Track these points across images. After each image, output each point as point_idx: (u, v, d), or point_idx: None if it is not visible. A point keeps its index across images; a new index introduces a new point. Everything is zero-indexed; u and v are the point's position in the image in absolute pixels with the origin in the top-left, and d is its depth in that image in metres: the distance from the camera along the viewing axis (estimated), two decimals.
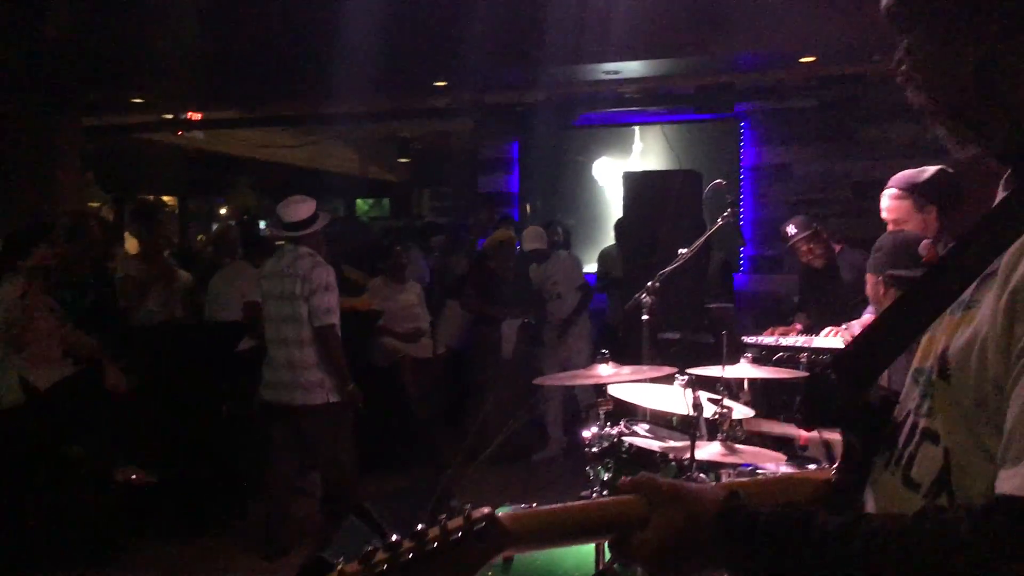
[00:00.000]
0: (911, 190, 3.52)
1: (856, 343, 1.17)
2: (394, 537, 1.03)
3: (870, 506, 1.17)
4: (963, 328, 1.01)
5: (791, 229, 5.58)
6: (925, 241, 3.13)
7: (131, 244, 8.24)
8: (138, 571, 5.04)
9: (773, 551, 1.00)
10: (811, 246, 5.52)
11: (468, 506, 1.08)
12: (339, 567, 1.03)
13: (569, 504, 1.15)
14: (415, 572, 1.02)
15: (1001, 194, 1.11)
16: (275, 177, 13.71)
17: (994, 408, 0.94)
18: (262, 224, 10.04)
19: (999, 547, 0.85)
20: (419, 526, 1.04)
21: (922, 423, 1.07)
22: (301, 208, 5.23)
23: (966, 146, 1.10)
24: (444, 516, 1.06)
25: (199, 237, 14.41)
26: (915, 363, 1.13)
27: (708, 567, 1.11)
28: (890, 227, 3.63)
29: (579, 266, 7.75)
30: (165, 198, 14.70)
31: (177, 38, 6.72)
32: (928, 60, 1.08)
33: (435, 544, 1.03)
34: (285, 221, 5.19)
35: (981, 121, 1.06)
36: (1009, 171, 1.11)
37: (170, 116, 10.64)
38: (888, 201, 3.60)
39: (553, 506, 1.14)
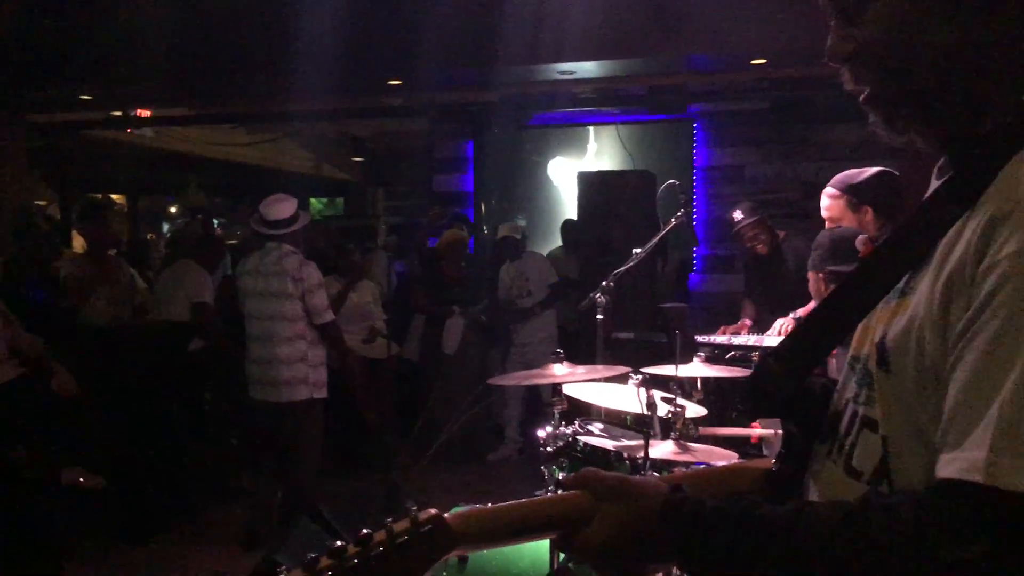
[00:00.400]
0: (845, 190, 3.60)
1: (795, 333, 1.17)
2: (339, 543, 1.02)
3: (812, 494, 1.17)
4: (900, 315, 1.02)
5: (737, 215, 5.66)
6: (862, 236, 3.18)
7: (78, 243, 8.10)
8: (85, 574, 4.95)
9: (718, 542, 1.00)
10: (756, 231, 5.61)
11: (415, 508, 1.07)
12: (283, 574, 1.01)
13: (516, 503, 1.15)
14: None
15: (935, 183, 1.12)
16: (227, 176, 13.55)
17: (932, 393, 0.94)
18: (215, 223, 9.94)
19: (942, 530, 0.86)
20: (364, 531, 1.03)
21: (861, 411, 1.08)
22: (283, 207, 5.29)
23: (903, 133, 1.09)
24: (391, 519, 1.05)
25: (149, 236, 14.21)
26: (851, 351, 1.14)
27: (654, 561, 1.11)
28: (828, 225, 3.70)
29: (551, 265, 7.78)
30: (114, 196, 14.45)
31: (127, 34, 6.61)
32: (894, 29, 1.04)
33: (381, 548, 1.02)
34: (268, 219, 5.25)
35: (934, 97, 1.04)
36: (942, 160, 1.11)
37: (119, 113, 10.46)
38: (825, 199, 3.69)
39: (499, 505, 1.14)
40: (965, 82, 1.02)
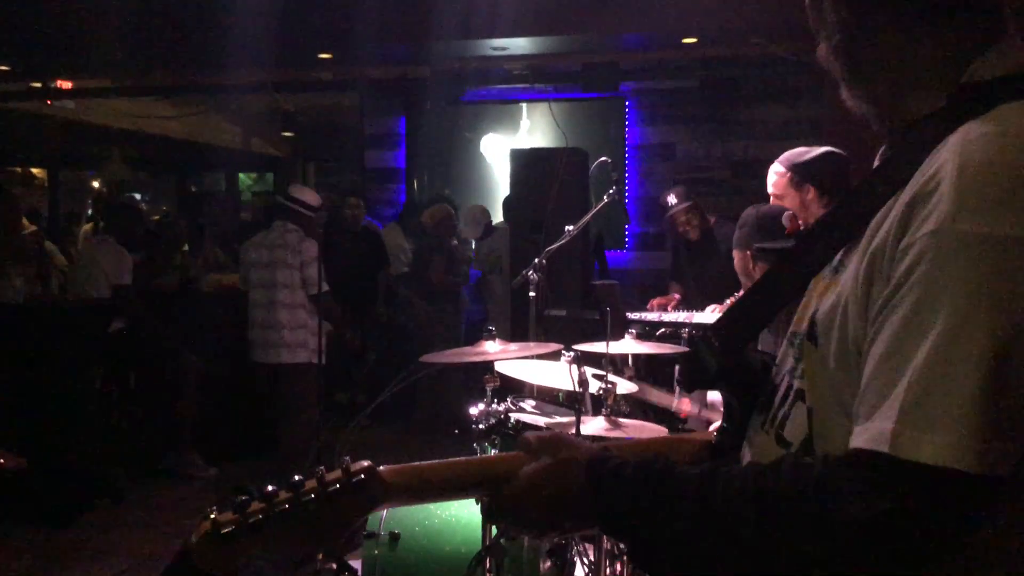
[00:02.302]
0: (790, 167, 3.63)
1: (733, 309, 1.21)
2: (270, 487, 1.02)
3: (746, 462, 1.20)
4: (831, 292, 1.05)
5: (671, 199, 5.69)
6: (787, 213, 3.22)
7: None
8: (8, 559, 4.82)
9: (634, 498, 1.03)
10: (689, 216, 5.65)
11: (347, 458, 1.07)
12: (212, 515, 1.01)
13: (448, 460, 1.17)
14: (291, 522, 1.01)
15: (877, 164, 1.16)
16: (151, 149, 13.20)
17: (854, 368, 0.97)
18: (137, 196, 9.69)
19: (844, 491, 0.89)
20: (296, 476, 1.03)
21: (796, 384, 1.11)
22: (310, 195, 5.79)
23: (870, 118, 1.15)
24: (322, 468, 1.05)
25: (71, 210, 13.80)
26: (792, 327, 1.17)
27: (575, 519, 1.13)
28: (772, 201, 3.75)
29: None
30: (34, 170, 14.00)
31: (46, 2, 6.39)
32: (837, 48, 1.12)
33: (312, 495, 1.02)
34: (291, 195, 5.71)
35: (874, 91, 1.11)
36: (885, 146, 1.16)
37: (38, 85, 10.12)
38: (771, 175, 3.71)
39: (432, 462, 1.16)
40: (891, 69, 1.08)
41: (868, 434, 0.90)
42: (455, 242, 7.80)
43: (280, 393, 5.66)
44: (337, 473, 1.05)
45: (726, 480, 0.98)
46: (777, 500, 0.93)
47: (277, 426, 5.72)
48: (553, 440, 1.14)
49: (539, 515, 1.12)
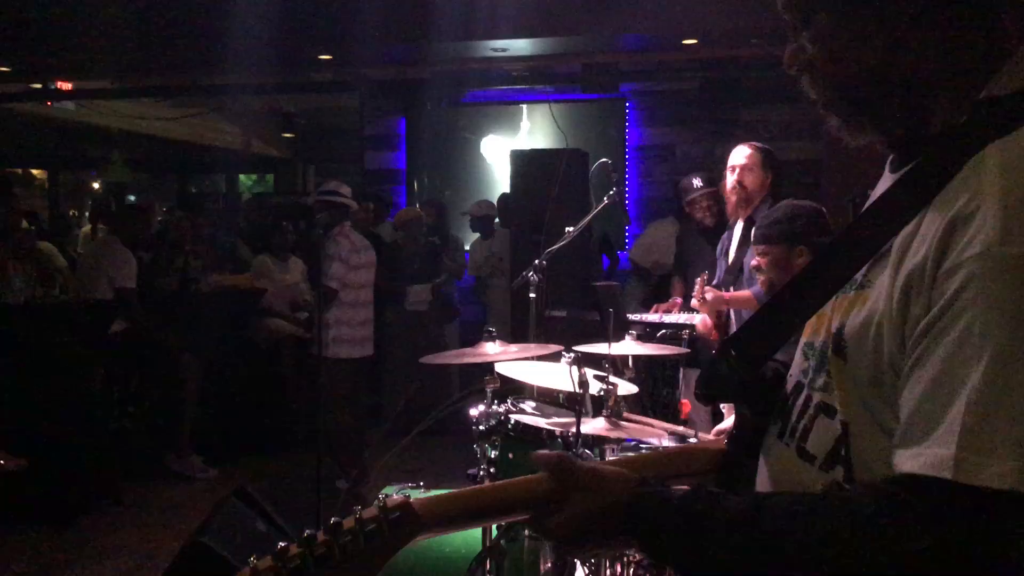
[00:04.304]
0: (760, 150, 4.30)
1: (751, 322, 1.20)
2: (307, 532, 1.03)
3: (763, 475, 1.20)
4: (858, 308, 1.04)
5: (696, 182, 5.66)
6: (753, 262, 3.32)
7: None
8: (8, 560, 4.82)
9: (682, 537, 1.03)
10: (710, 203, 5.61)
11: (383, 495, 1.09)
12: (253, 563, 1.03)
13: (477, 487, 1.20)
14: (330, 565, 1.02)
15: (887, 175, 1.15)
16: (151, 150, 13.20)
17: (889, 386, 0.97)
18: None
19: (905, 522, 0.89)
20: (334, 519, 1.05)
21: (817, 397, 1.11)
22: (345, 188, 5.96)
23: (861, 133, 1.12)
24: (359, 507, 1.06)
25: (71, 212, 13.80)
26: (804, 337, 1.17)
27: (619, 548, 1.14)
28: (739, 173, 4.28)
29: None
30: (35, 171, 14.00)
31: (47, 2, 6.39)
32: (832, 47, 1.08)
33: (350, 536, 1.03)
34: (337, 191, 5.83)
35: (878, 106, 1.08)
36: (893, 155, 1.14)
37: (39, 86, 10.11)
38: (743, 149, 4.31)
39: (463, 490, 1.17)
40: (902, 91, 1.06)
41: (924, 459, 0.89)
42: (437, 241, 7.77)
43: (358, 385, 5.92)
44: (373, 511, 1.06)
45: (773, 515, 0.97)
46: (838, 536, 0.92)
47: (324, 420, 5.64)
48: (589, 476, 1.12)
49: (585, 549, 1.15)
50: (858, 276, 1.07)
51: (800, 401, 1.15)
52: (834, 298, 1.10)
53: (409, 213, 7.67)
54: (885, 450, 0.95)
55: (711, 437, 2.46)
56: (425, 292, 7.40)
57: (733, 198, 4.45)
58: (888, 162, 1.16)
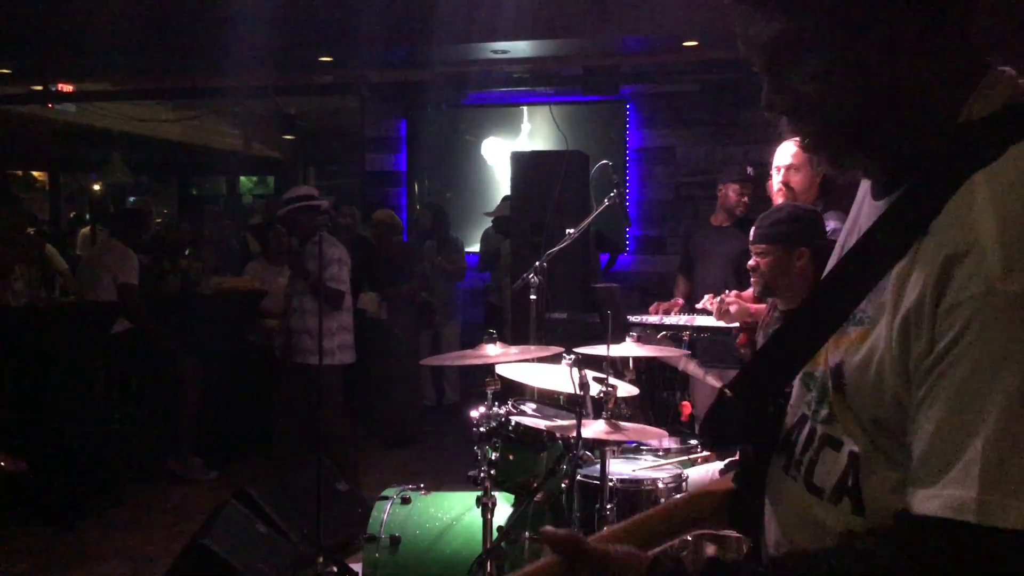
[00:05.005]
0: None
1: (753, 364, 1.19)
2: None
3: (769, 513, 1.20)
4: (857, 345, 1.03)
5: (749, 170, 5.51)
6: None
7: None
8: (9, 561, 4.82)
9: None
10: (748, 194, 5.47)
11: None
12: None
13: None
14: None
15: (869, 201, 1.13)
16: (152, 152, 13.21)
17: (895, 423, 0.97)
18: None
19: (926, 568, 0.88)
20: None
21: (821, 429, 1.10)
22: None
23: (854, 164, 1.10)
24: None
25: (71, 214, 13.81)
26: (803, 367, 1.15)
27: None
28: (785, 172, 3.75)
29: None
30: (35, 173, 14.01)
31: (47, 4, 6.39)
32: (832, 80, 1.04)
33: None
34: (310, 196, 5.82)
35: (874, 135, 1.06)
36: (872, 183, 1.13)
37: (39, 88, 10.12)
38: (788, 147, 3.72)
39: None
40: (897, 117, 1.04)
41: (941, 500, 0.88)
42: (434, 243, 7.74)
43: (340, 390, 5.80)
44: None
45: None
46: None
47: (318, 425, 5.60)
48: (600, 559, 1.09)
49: None
50: (856, 311, 1.06)
51: (804, 434, 1.14)
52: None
53: (384, 215, 7.57)
54: (892, 480, 0.96)
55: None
56: (373, 300, 7.27)
57: (779, 200, 3.87)
58: (869, 188, 1.14)
